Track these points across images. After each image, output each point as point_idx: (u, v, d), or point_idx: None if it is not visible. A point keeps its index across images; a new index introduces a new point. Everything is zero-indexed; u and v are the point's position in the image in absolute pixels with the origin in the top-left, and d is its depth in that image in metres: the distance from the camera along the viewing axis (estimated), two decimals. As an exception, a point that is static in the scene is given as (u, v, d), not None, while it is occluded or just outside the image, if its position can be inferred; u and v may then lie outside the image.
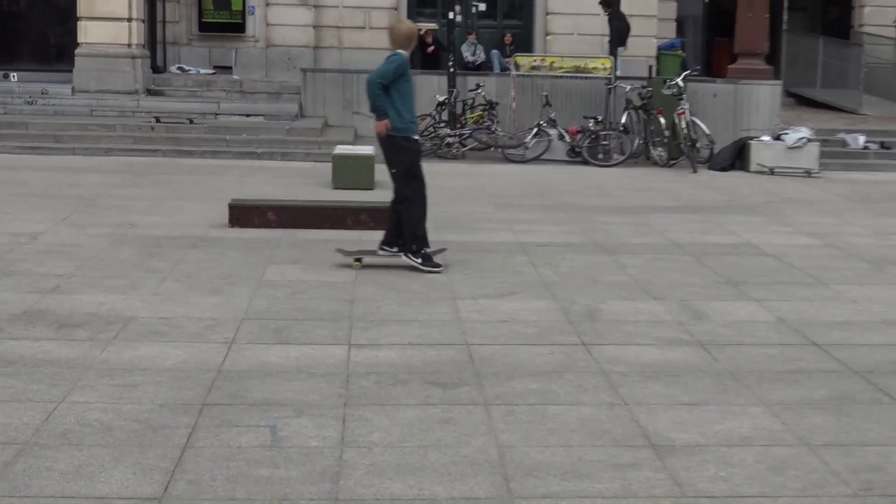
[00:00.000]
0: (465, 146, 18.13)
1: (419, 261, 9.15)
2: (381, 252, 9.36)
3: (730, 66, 19.06)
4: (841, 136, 18.41)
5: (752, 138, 17.38)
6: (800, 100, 23.25)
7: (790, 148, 16.85)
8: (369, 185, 13.71)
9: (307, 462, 4.97)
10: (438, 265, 9.18)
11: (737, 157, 17.34)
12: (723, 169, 17.10)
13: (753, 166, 17.00)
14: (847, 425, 5.72)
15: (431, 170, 16.23)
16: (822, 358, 6.96)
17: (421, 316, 7.73)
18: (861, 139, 18.49)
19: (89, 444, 5.12)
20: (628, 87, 18.40)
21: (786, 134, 17.13)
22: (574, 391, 6.15)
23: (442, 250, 9.60)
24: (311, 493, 4.64)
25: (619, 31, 19.81)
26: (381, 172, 14.36)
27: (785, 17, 23.90)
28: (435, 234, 10.54)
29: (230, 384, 6.08)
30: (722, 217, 12.59)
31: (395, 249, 9.32)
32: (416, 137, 9.43)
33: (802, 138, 16.91)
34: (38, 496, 4.55)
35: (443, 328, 7.42)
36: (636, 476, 4.94)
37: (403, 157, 9.25)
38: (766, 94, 18.33)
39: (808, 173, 16.63)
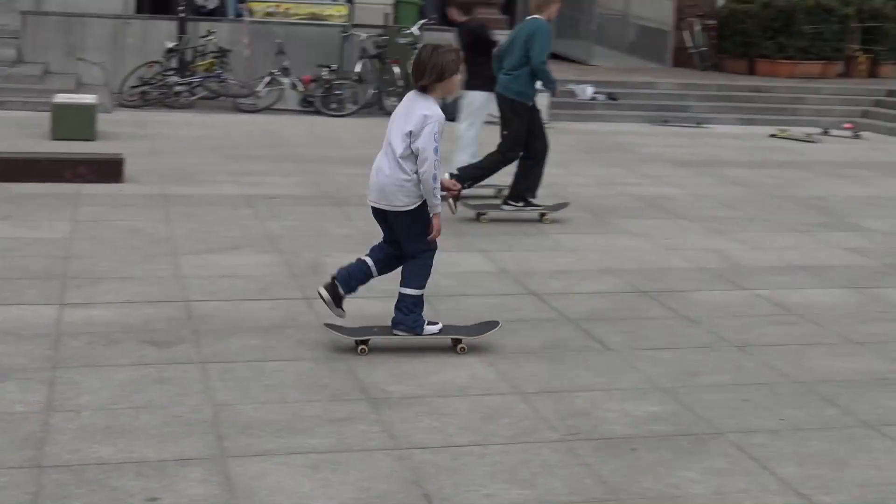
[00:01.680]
0: (194, 95, 17.81)
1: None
2: (505, 208, 10.14)
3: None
4: (570, 87, 18.97)
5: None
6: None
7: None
8: (90, 136, 13.35)
9: (11, 429, 4.85)
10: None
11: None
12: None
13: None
14: (559, 372, 5.98)
15: (158, 119, 16.11)
16: (540, 307, 7.24)
17: (139, 273, 7.62)
18: (589, 90, 19.12)
19: None
20: (364, 36, 18.48)
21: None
22: (294, 346, 6.21)
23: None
24: (13, 460, 4.54)
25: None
26: (104, 122, 14.14)
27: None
28: (159, 186, 10.38)
29: (-70, 349, 5.88)
30: (453, 168, 12.83)
31: (520, 204, 10.12)
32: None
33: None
34: None
35: (162, 285, 7.34)
36: (351, 430, 5.04)
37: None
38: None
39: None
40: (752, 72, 21.82)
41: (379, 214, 6.28)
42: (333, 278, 6.30)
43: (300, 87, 17.91)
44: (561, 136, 15.90)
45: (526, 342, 6.48)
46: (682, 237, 9.56)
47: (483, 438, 5.03)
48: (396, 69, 17.75)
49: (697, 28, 22.60)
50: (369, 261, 6.32)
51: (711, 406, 5.58)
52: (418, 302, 6.24)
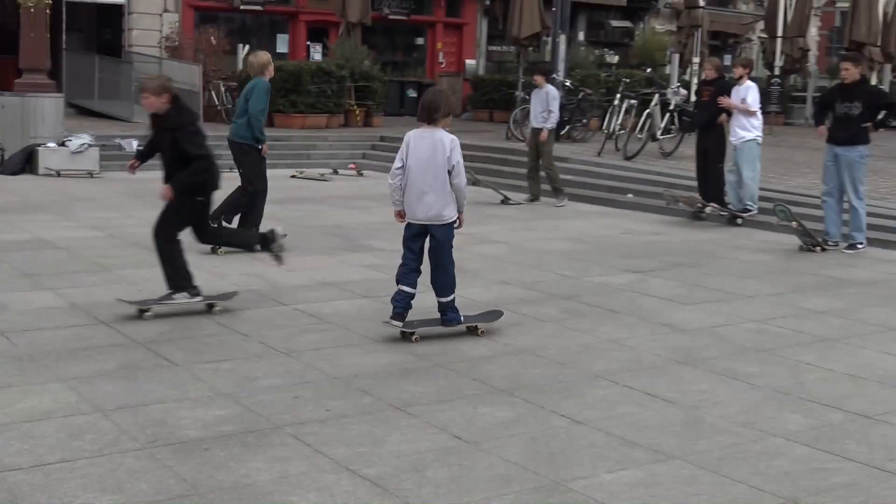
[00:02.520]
0: None
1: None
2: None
3: (16, 81, 18.24)
4: (117, 140, 18.36)
5: (39, 145, 16.81)
6: (81, 110, 22.85)
7: (74, 153, 16.55)
8: None
9: None
10: None
11: (26, 163, 16.68)
12: (13, 174, 16.35)
13: (42, 170, 16.46)
14: (135, 389, 5.77)
15: None
16: (111, 334, 6.96)
17: None
18: (134, 143, 18.57)
19: None
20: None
21: (69, 140, 16.78)
22: None
23: None
24: None
25: None
26: None
27: (64, 38, 23.46)
28: None
29: None
30: (15, 217, 12.07)
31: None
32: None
33: (84, 144, 16.69)
34: None
35: None
36: (-56, 461, 4.62)
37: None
38: (50, 105, 17.73)
39: (90, 174, 16.44)
40: (271, 124, 22.06)
41: (421, 232, 6.93)
42: (396, 314, 6.93)
43: None
44: (112, 185, 15.40)
45: (102, 366, 6.21)
46: (228, 265, 9.50)
47: (72, 455, 4.77)
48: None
49: (222, 89, 22.59)
50: (409, 289, 6.98)
51: (269, 405, 5.59)
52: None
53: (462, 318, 7.17)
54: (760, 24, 32.42)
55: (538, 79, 14.74)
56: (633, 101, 19.41)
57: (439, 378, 6.20)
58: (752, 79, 13.60)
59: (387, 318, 7.02)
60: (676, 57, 24.91)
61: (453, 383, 6.10)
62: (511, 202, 14.66)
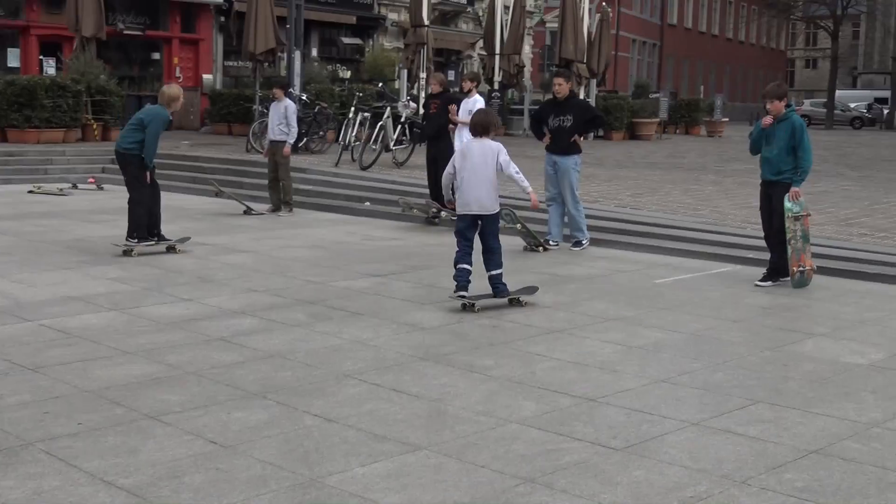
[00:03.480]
0: None
1: None
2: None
3: None
4: None
5: None
6: None
7: None
8: None
9: None
10: None
11: None
12: None
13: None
14: None
15: None
16: None
17: None
18: None
19: None
20: None
21: None
22: None
23: None
24: None
25: None
26: None
27: None
28: None
29: None
30: None
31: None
32: None
33: None
34: None
35: None
36: None
37: None
38: None
39: None
40: (4, 139, 20.83)
41: (474, 221, 8.44)
42: (461, 286, 8.29)
43: None
44: None
45: None
46: (-35, 283, 8.91)
47: None
48: None
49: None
50: (468, 266, 8.37)
51: (18, 422, 5.29)
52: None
53: (508, 290, 8.52)
54: (481, 42, 33.52)
55: (278, 92, 14.65)
56: (366, 114, 19.60)
57: (192, 386, 6.05)
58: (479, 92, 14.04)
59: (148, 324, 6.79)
60: (405, 72, 25.40)
61: (206, 390, 5.98)
62: (254, 212, 14.50)
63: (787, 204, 9.65)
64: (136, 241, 10.79)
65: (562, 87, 11.83)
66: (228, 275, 9.71)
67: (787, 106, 9.69)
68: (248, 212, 14.53)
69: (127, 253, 10.59)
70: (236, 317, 7.90)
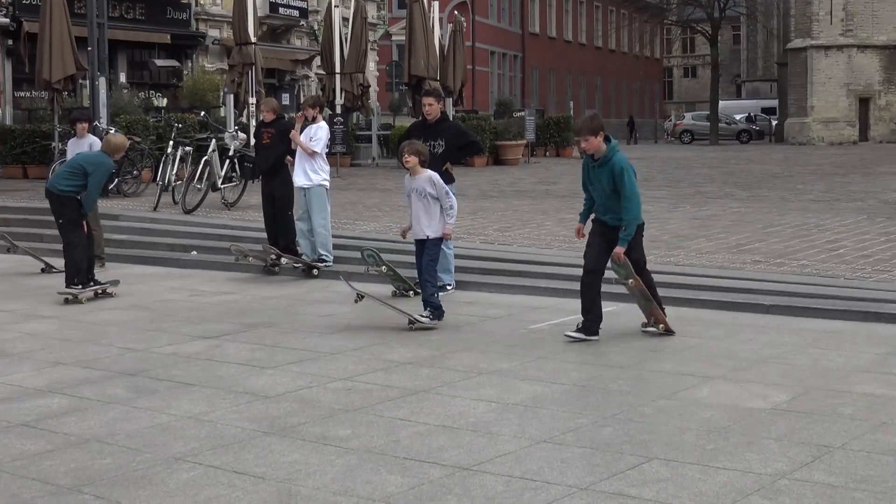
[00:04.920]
0: None
1: None
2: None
3: None
4: None
5: None
6: None
7: None
8: None
9: None
10: None
11: None
12: None
13: None
14: None
15: None
16: None
17: None
18: None
19: None
20: None
21: None
22: None
23: None
24: None
25: None
26: None
27: None
28: None
29: None
30: None
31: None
32: None
33: None
34: None
35: None
36: None
37: None
38: None
39: None
40: None
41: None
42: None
43: None
44: None
45: None
46: None
47: None
48: None
49: None
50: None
51: None
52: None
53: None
54: (318, 60, 33.61)
55: (80, 127, 14.39)
56: (188, 149, 19.44)
57: (-10, 483, 5.84)
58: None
59: None
60: (231, 97, 25.25)
61: (8, 487, 5.78)
62: (55, 270, 14.11)
63: (611, 265, 9.40)
64: (79, 286, 11.78)
65: (432, 107, 11.87)
66: (29, 346, 9.44)
67: (607, 140, 9.19)
68: (46, 269, 14.14)
69: (70, 301, 11.59)
70: (41, 396, 7.67)
